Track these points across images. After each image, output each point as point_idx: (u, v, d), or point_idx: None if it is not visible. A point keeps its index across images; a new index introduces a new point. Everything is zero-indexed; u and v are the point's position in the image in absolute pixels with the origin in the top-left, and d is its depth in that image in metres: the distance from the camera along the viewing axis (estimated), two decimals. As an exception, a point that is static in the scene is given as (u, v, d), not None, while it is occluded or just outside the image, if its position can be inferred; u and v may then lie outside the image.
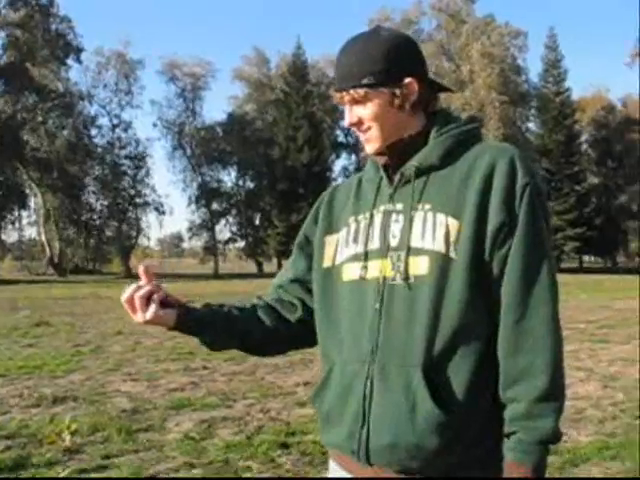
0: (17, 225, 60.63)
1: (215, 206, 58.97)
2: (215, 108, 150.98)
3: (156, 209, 58.89)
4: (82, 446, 5.20)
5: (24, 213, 58.66)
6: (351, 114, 1.59)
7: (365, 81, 1.53)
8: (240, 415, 6.18)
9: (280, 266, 53.98)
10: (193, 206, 58.84)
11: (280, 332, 1.75)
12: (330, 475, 1.70)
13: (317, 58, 59.28)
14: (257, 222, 58.46)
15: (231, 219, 60.48)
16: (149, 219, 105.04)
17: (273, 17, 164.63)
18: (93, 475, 4.60)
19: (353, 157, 62.03)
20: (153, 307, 1.55)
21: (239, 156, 56.68)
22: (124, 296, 1.56)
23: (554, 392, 1.42)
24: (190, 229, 60.00)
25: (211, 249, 59.17)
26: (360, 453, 1.51)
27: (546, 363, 1.42)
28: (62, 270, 52.02)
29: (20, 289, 30.99)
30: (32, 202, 56.15)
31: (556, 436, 1.42)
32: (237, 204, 58.99)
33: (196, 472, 4.64)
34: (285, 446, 5.16)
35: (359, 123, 1.58)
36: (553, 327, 1.44)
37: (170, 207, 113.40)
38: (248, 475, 4.58)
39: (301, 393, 7.13)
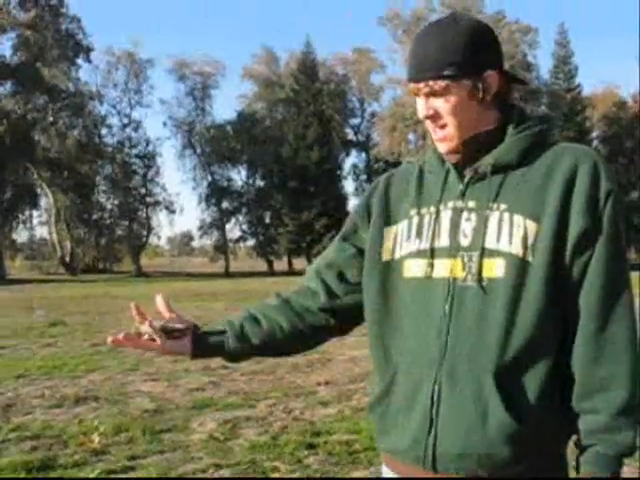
0: (28, 225, 60.86)
1: (225, 204, 58.94)
2: (225, 107, 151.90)
3: (166, 208, 59.11)
4: (107, 447, 5.19)
5: (35, 213, 58.91)
6: (426, 106, 1.49)
7: (447, 72, 1.43)
8: (263, 415, 6.16)
9: (291, 264, 54.01)
10: (203, 205, 58.91)
11: (299, 329, 1.69)
12: None
13: (326, 56, 59.30)
14: (267, 220, 58.25)
15: (241, 217, 60.37)
16: (159, 218, 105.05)
17: (282, 15, 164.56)
18: (121, 476, 4.59)
19: (363, 155, 61.89)
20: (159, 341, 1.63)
21: (249, 155, 56.58)
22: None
23: (634, 405, 1.39)
24: (200, 227, 60.09)
25: (221, 248, 59.21)
26: (426, 460, 1.46)
27: (627, 375, 1.39)
28: (73, 269, 52.16)
29: (32, 289, 31.10)
30: (43, 202, 56.27)
31: (634, 449, 1.39)
32: (247, 202, 58.88)
33: (224, 472, 4.62)
34: (311, 446, 5.13)
35: (435, 116, 1.49)
36: (633, 339, 1.40)
37: (180, 206, 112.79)
38: (276, 476, 4.56)
39: (322, 392, 7.11)
